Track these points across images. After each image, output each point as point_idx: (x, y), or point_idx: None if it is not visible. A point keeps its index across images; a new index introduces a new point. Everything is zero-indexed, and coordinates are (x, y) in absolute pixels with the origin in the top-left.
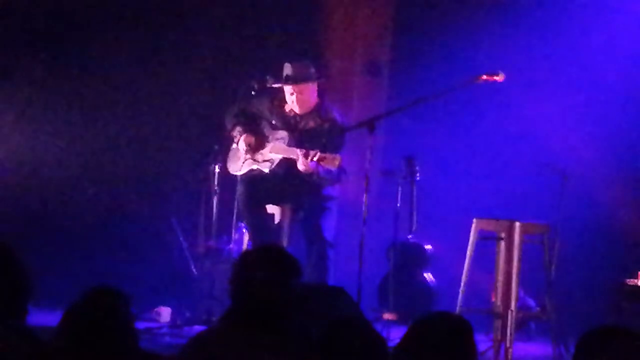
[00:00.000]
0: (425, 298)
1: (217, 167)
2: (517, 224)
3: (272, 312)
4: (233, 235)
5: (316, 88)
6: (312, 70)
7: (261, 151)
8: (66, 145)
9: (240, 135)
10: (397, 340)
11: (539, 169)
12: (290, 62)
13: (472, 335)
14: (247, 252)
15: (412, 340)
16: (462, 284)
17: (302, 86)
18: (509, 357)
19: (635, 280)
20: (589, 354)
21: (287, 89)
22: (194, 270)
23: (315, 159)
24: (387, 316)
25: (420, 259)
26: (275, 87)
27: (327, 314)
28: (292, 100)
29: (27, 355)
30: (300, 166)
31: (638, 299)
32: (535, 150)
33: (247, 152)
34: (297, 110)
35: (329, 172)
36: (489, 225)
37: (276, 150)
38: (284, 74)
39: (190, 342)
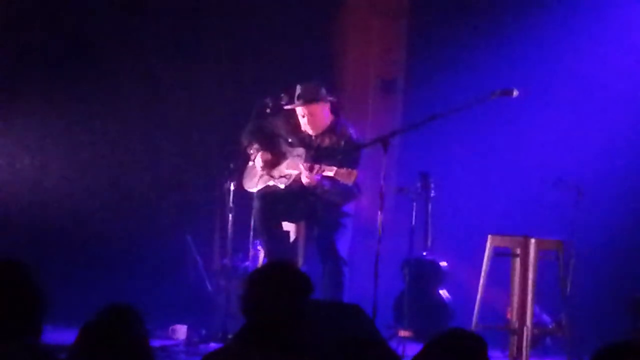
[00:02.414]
0: (440, 315)
1: (232, 184)
2: (532, 240)
3: (283, 328)
4: (249, 252)
5: (327, 108)
6: (323, 91)
7: (277, 167)
8: (81, 164)
9: (257, 152)
10: None
11: (554, 185)
12: (301, 83)
13: (486, 352)
14: (257, 268)
15: (426, 357)
16: (477, 300)
17: (312, 107)
18: None
19: None
20: None
21: (299, 111)
22: (209, 287)
23: (319, 172)
24: (402, 333)
25: (435, 276)
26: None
27: (342, 331)
28: (305, 122)
29: None
30: (304, 179)
31: None
32: (550, 166)
33: (263, 168)
34: (310, 131)
35: (335, 185)
36: (504, 242)
37: (292, 167)
38: (295, 95)
39: None
